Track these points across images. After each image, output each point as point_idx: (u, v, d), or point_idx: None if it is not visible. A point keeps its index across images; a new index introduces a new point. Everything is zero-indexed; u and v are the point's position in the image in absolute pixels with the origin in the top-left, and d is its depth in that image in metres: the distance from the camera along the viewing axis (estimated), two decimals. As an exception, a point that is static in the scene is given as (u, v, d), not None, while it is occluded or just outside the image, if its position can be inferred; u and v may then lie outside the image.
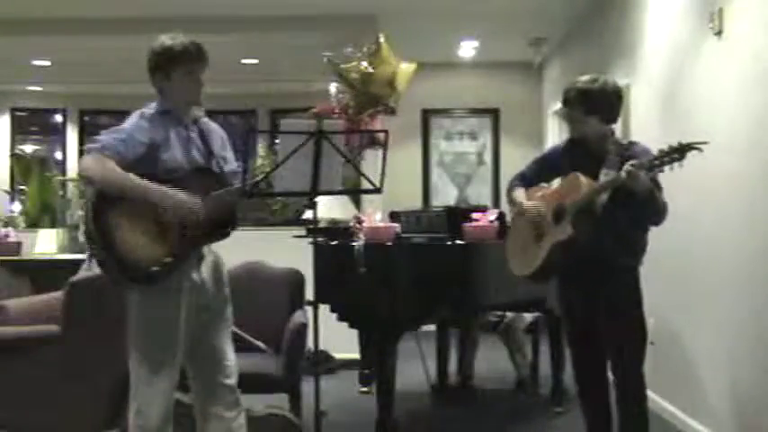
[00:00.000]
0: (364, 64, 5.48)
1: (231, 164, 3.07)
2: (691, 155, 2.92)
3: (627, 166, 3.02)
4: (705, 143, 2.92)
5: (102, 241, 2.76)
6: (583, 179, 3.21)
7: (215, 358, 3.01)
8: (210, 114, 3.16)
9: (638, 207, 3.14)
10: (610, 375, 3.43)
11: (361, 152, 5.44)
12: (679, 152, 2.91)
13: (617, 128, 3.47)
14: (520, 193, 3.51)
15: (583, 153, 3.36)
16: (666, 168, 2.97)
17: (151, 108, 2.93)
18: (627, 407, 3.32)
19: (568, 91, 3.35)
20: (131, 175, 2.77)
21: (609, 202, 3.17)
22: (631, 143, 3.42)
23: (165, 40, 2.91)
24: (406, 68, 5.78)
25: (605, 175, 3.17)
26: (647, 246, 3.34)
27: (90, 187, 2.84)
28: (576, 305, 3.44)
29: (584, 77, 3.36)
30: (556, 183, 3.50)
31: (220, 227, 2.93)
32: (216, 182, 2.92)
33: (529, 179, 3.56)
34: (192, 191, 2.85)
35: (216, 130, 3.09)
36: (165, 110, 2.93)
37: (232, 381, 3.04)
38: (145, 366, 2.87)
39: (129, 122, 2.88)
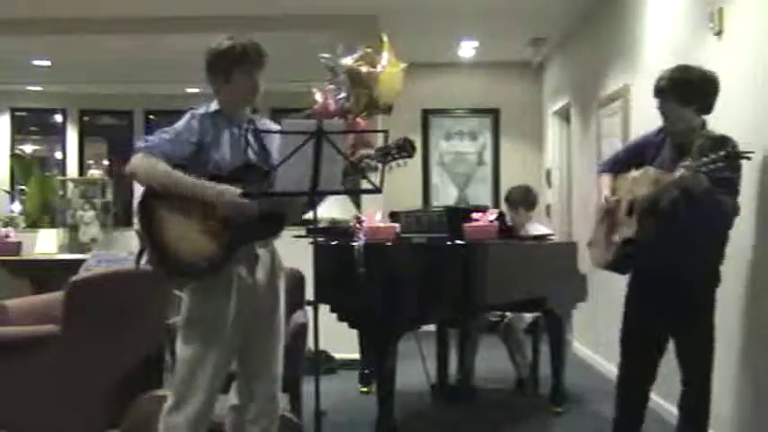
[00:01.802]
0: (368, 63, 5.46)
1: None
2: None
3: (679, 168, 2.96)
4: (752, 153, 2.92)
5: (148, 238, 2.77)
6: (651, 175, 3.13)
7: (261, 362, 3.00)
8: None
9: (699, 208, 3.05)
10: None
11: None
12: (725, 160, 2.85)
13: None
14: (604, 181, 3.48)
15: (669, 144, 3.29)
16: None
17: (204, 108, 2.94)
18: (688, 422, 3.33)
19: (660, 80, 3.25)
20: (180, 173, 2.77)
21: (672, 203, 3.09)
22: (722, 137, 3.17)
23: (226, 41, 2.91)
24: (400, 68, 5.78)
25: (679, 169, 3.02)
26: (722, 251, 3.25)
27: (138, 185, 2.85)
28: (645, 309, 3.38)
29: (678, 66, 3.29)
30: (634, 172, 3.35)
31: (268, 225, 2.93)
32: (264, 179, 2.90)
33: (613, 164, 3.52)
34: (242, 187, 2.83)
35: (274, 129, 3.07)
36: (219, 110, 2.94)
37: (273, 387, 3.02)
38: (186, 363, 2.86)
39: (180, 122, 2.90)
